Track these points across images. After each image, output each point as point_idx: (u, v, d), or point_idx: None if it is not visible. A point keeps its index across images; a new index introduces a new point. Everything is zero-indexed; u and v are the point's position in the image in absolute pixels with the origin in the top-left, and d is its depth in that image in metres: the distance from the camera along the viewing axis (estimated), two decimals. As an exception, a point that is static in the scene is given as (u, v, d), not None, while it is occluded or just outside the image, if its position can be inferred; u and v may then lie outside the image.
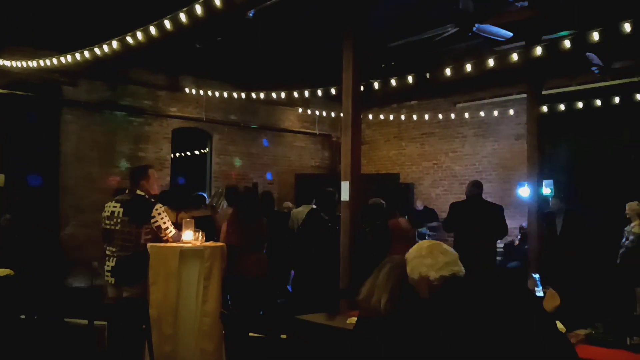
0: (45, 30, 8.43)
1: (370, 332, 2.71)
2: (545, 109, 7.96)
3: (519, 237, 9.90)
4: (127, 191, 5.06)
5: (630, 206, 8.02)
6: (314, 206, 7.22)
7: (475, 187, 6.98)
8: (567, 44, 6.19)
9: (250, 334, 4.83)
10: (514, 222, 9.61)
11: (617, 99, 8.64)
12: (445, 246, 2.65)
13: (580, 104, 9.07)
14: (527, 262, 7.27)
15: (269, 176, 12.33)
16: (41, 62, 7.76)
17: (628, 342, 3.19)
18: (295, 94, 9.86)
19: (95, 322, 4.83)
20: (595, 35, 5.83)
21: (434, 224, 11.27)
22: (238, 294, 5.46)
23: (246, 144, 12.24)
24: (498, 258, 8.41)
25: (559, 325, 3.22)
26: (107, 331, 4.85)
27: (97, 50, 6.64)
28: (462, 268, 2.58)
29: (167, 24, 5.73)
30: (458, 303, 2.43)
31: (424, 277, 2.57)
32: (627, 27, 5.54)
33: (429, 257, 2.59)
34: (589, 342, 3.34)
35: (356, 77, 5.26)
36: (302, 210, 7.90)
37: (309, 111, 12.59)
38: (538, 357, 2.28)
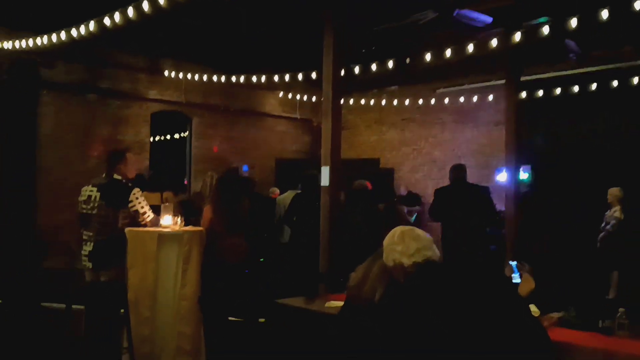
0: (21, 11, 8.24)
1: (360, 318, 2.71)
2: (523, 95, 8.01)
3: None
4: (104, 175, 5.01)
5: (612, 192, 8.15)
6: (299, 191, 7.21)
7: (459, 171, 6.88)
8: (545, 30, 6.21)
9: (229, 318, 4.83)
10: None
11: (594, 86, 8.72)
12: (418, 231, 2.64)
13: (558, 91, 9.14)
14: (504, 246, 7.35)
15: (245, 168, 12.26)
16: (16, 44, 7.59)
17: (600, 325, 3.25)
18: (276, 78, 9.80)
19: (73, 306, 4.79)
20: (573, 22, 5.86)
21: (417, 208, 11.33)
22: (217, 278, 5.44)
23: (226, 127, 12.16)
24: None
25: (533, 308, 3.27)
26: (84, 315, 4.82)
27: (74, 32, 6.51)
28: (437, 252, 2.58)
29: (146, 5, 5.63)
30: (431, 288, 2.45)
31: (398, 263, 2.56)
32: (605, 14, 5.57)
33: (401, 244, 2.58)
34: (562, 325, 3.40)
35: (337, 62, 5.23)
36: (287, 196, 7.89)
37: (289, 95, 12.54)
38: (511, 340, 2.31)
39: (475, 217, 6.61)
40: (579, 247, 8.38)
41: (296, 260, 6.18)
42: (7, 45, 7.78)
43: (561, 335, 3.13)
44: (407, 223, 6.79)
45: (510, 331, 2.32)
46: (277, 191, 9.73)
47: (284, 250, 7.11)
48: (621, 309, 3.26)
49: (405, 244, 2.57)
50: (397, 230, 2.68)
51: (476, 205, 6.64)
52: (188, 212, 6.05)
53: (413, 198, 11.57)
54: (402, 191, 11.78)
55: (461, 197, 6.71)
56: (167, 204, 5.27)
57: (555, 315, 3.50)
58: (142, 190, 6.45)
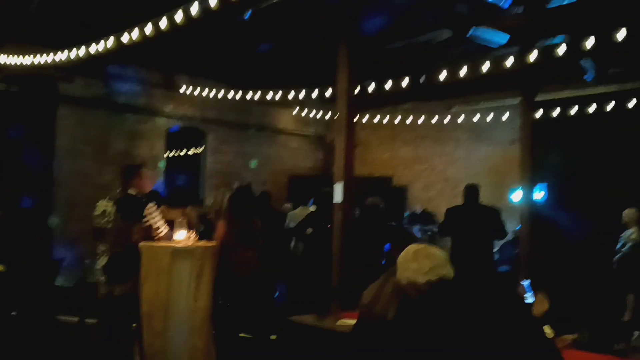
0: (41, 27, 8.40)
1: (373, 336, 2.70)
2: (539, 114, 7.99)
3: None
4: (119, 190, 5.06)
5: (628, 213, 8.08)
6: (311, 208, 7.24)
7: (472, 192, 6.97)
8: (561, 50, 6.22)
9: (241, 334, 4.83)
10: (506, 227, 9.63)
11: (610, 106, 8.68)
12: (431, 249, 2.62)
13: (573, 110, 9.11)
14: (518, 266, 7.29)
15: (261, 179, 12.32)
16: (35, 59, 7.73)
17: (614, 348, 3.21)
18: (290, 95, 9.86)
19: (86, 319, 4.82)
20: (589, 42, 5.86)
21: (431, 227, 11.28)
22: (229, 292, 5.46)
23: (240, 143, 12.23)
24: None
25: (547, 329, 3.25)
26: (97, 328, 4.84)
27: (92, 48, 6.62)
28: (451, 270, 2.57)
29: (163, 23, 5.72)
30: (445, 306, 2.44)
31: (412, 282, 2.55)
32: (621, 34, 5.57)
33: (415, 262, 2.57)
34: (576, 347, 3.36)
35: (351, 79, 5.25)
36: (298, 213, 7.92)
37: (303, 112, 12.60)
38: (524, 361, 2.29)
39: (485, 237, 6.68)
40: (594, 268, 8.29)
41: (310, 276, 6.18)
42: (27, 60, 7.92)
43: (575, 358, 3.11)
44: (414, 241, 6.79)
45: (524, 352, 2.30)
46: (289, 206, 9.76)
47: (298, 265, 7.14)
48: (636, 332, 3.23)
49: (419, 263, 2.56)
50: (412, 248, 2.67)
51: (486, 226, 6.69)
52: (208, 227, 6.09)
53: (427, 217, 11.54)
54: (418, 209, 11.74)
55: (472, 217, 6.74)
56: (181, 219, 5.30)
57: (570, 337, 3.47)
58: (163, 205, 6.53)
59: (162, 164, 11.05)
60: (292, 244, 8.12)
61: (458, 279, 2.58)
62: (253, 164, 11.98)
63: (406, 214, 11.01)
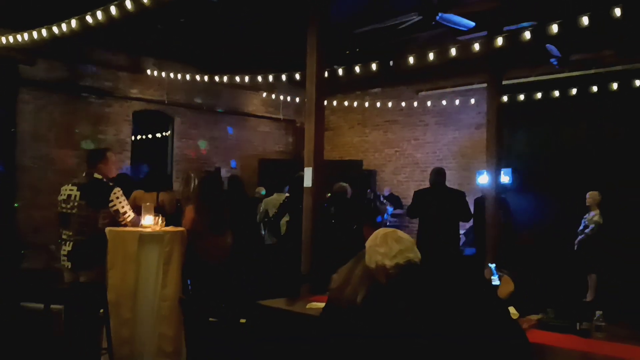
0: (2, 8, 8.13)
1: (342, 320, 2.70)
2: (505, 98, 8.08)
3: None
4: (84, 174, 4.96)
5: (592, 195, 8.26)
6: (287, 194, 7.21)
7: (439, 175, 7.09)
8: (527, 35, 6.28)
9: (210, 318, 4.81)
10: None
11: (574, 91, 8.83)
12: (399, 233, 2.65)
13: (539, 95, 9.24)
14: (484, 249, 7.42)
15: (233, 164, 12.24)
16: (-4, 40, 7.49)
17: (578, 328, 3.29)
18: (260, 78, 9.78)
19: (52, 306, 4.74)
20: (555, 28, 5.93)
21: (398, 210, 11.40)
22: (199, 279, 5.42)
23: (209, 127, 12.12)
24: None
25: (512, 310, 3.30)
26: (63, 315, 4.76)
27: (55, 29, 6.43)
28: (418, 254, 2.59)
29: (129, 3, 5.59)
30: (413, 289, 2.46)
31: (380, 265, 2.57)
32: (585, 20, 5.65)
33: (383, 246, 2.59)
34: (540, 327, 3.43)
35: (320, 63, 5.24)
36: (275, 199, 7.87)
37: (273, 96, 12.53)
38: (490, 341, 2.33)
39: (450, 219, 6.84)
40: (558, 249, 8.48)
41: (283, 262, 6.19)
42: (-13, 41, 7.67)
43: (539, 337, 3.17)
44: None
45: (489, 332, 2.34)
46: (263, 191, 9.70)
47: (271, 251, 7.13)
48: (599, 312, 3.31)
49: (388, 246, 2.58)
50: (380, 232, 2.68)
51: (452, 208, 6.84)
52: (179, 212, 6.04)
53: (393, 200, 11.66)
54: (385, 192, 11.86)
55: (438, 199, 6.86)
56: (148, 203, 5.23)
57: (534, 317, 3.54)
58: (139, 190, 6.45)
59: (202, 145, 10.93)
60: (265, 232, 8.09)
61: (425, 263, 2.61)
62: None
63: (371, 196, 11.08)
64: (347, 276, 2.74)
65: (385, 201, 11.48)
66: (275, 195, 8.02)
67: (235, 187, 7.28)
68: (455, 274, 2.58)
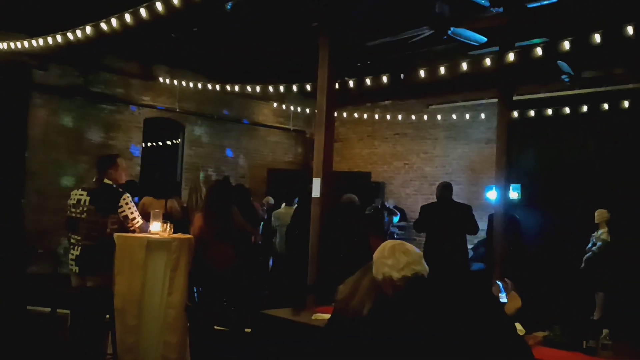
0: (17, 13, 8.24)
1: (347, 331, 2.70)
2: (515, 114, 8.08)
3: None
4: (94, 179, 5.00)
5: (600, 213, 8.21)
6: (295, 206, 7.23)
7: (445, 190, 7.14)
8: (539, 51, 6.28)
9: (215, 327, 4.83)
10: (481, 224, 9.77)
11: (585, 108, 8.81)
12: (407, 246, 2.66)
13: (549, 111, 9.22)
14: (491, 264, 7.39)
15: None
16: (11, 45, 7.58)
17: (584, 345, 3.27)
18: (270, 89, 9.83)
19: (58, 311, 4.77)
20: (566, 45, 5.93)
21: (403, 223, 11.37)
22: (205, 286, 5.44)
23: (219, 136, 12.17)
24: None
25: (518, 326, 3.29)
26: (69, 320, 4.79)
27: (69, 35, 6.51)
28: (426, 267, 2.60)
29: (143, 12, 5.65)
30: (420, 302, 2.46)
31: (387, 277, 2.58)
32: (597, 38, 5.65)
33: (391, 258, 2.60)
34: (547, 344, 3.42)
35: (331, 74, 5.26)
36: (284, 212, 7.89)
37: (283, 106, 12.58)
38: (496, 358, 2.32)
39: (457, 233, 6.87)
40: (565, 266, 8.43)
41: (293, 272, 6.21)
42: (2, 46, 7.76)
43: (545, 355, 3.15)
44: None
45: (496, 348, 2.33)
46: (272, 200, 9.72)
47: (281, 261, 7.17)
48: (605, 330, 3.29)
49: (396, 258, 2.59)
50: (388, 244, 2.69)
51: (459, 223, 6.86)
52: (187, 219, 6.08)
53: (400, 213, 11.65)
54: (390, 204, 11.84)
55: (445, 213, 6.89)
56: (157, 210, 5.26)
57: (540, 334, 3.52)
58: (148, 196, 6.50)
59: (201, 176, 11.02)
60: (277, 239, 8.11)
61: (432, 276, 2.61)
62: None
63: (379, 205, 11.08)
64: (354, 287, 2.75)
65: (393, 207, 11.48)
66: (283, 209, 8.04)
67: (242, 196, 7.33)
68: (463, 289, 2.58)
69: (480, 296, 2.60)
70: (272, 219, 8.03)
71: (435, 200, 7.30)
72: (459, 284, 2.64)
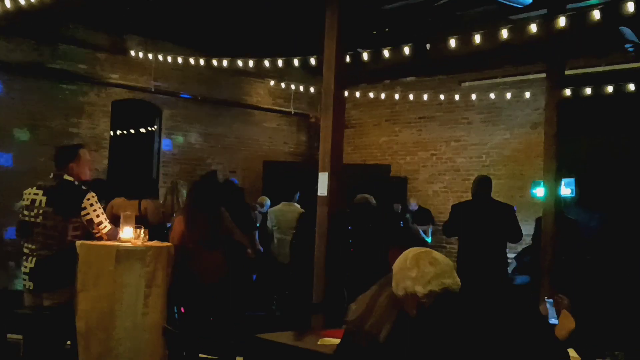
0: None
1: (361, 359, 2.70)
2: (567, 92, 8.04)
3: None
4: (51, 175, 5.00)
5: None
6: (297, 204, 7.24)
7: (483, 185, 7.07)
8: (596, 15, 6.23)
9: (200, 355, 4.84)
10: (526, 228, 9.73)
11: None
12: (435, 254, 2.63)
13: (609, 88, 9.16)
14: (538, 277, 7.37)
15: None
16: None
17: (653, 376, 3.25)
18: (267, 64, 9.81)
19: (8, 336, 4.78)
20: (630, 6, 5.88)
21: (429, 227, 11.34)
22: (188, 304, 5.45)
23: (204, 122, 12.17)
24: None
25: (572, 353, 3.27)
26: (22, 347, 4.80)
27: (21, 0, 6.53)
28: (457, 280, 2.57)
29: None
30: (449, 324, 2.44)
31: (410, 293, 2.55)
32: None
33: (415, 269, 2.57)
34: (607, 375, 3.39)
35: (341, 45, 5.25)
36: (282, 210, 7.90)
37: (282, 85, 12.54)
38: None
39: (496, 239, 6.82)
40: (631, 280, 8.37)
41: (295, 287, 6.23)
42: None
43: (606, 388, 3.13)
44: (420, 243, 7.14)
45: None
46: (268, 201, 9.74)
47: (280, 272, 7.20)
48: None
49: (420, 269, 2.56)
50: (410, 252, 2.66)
51: (498, 226, 6.81)
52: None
53: (423, 215, 11.59)
54: (413, 206, 11.77)
55: (482, 215, 6.84)
56: (128, 213, 5.26)
57: (600, 362, 3.50)
58: (119, 197, 6.52)
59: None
60: (275, 244, 8.14)
61: (465, 292, 2.59)
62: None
63: (398, 210, 11.05)
64: (369, 306, 2.74)
65: (417, 210, 11.46)
66: (281, 206, 8.05)
67: (232, 194, 7.34)
68: (503, 307, 2.56)
69: (524, 316, 2.58)
70: (268, 219, 8.03)
71: (470, 198, 7.25)
72: (498, 302, 2.63)
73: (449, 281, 2.54)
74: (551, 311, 3.91)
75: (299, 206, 8.10)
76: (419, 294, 2.53)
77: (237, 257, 6.00)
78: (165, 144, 11.83)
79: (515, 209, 7.24)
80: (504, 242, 7.01)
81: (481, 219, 6.87)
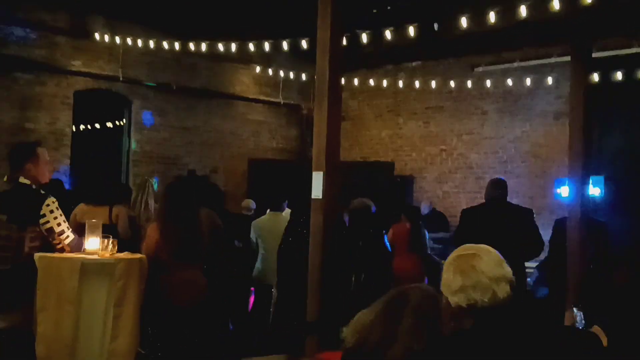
0: None
1: None
2: (596, 77, 8.07)
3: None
4: (5, 178, 4.98)
5: None
6: (285, 214, 7.23)
7: (497, 188, 7.11)
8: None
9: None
10: (549, 234, 9.75)
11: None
12: (474, 261, 2.57)
13: (644, 73, 9.21)
14: (560, 289, 7.39)
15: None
16: None
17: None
18: (252, 47, 9.81)
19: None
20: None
21: (441, 234, 11.34)
22: (162, 326, 5.44)
23: (180, 114, 12.16)
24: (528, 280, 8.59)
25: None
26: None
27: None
28: (498, 295, 2.48)
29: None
30: (464, 348, 2.43)
31: (445, 300, 2.56)
32: None
33: (446, 272, 2.58)
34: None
35: (336, 26, 5.24)
36: (268, 220, 7.87)
37: (270, 72, 12.55)
38: None
39: (513, 248, 6.81)
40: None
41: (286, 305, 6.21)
42: None
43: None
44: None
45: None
46: (253, 205, 9.71)
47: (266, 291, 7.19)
48: None
49: (451, 274, 2.55)
50: (460, 250, 2.64)
51: (515, 234, 6.81)
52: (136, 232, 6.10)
53: (437, 219, 11.56)
54: (424, 209, 11.75)
55: (496, 221, 6.84)
56: (94, 220, 5.25)
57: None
58: (86, 203, 6.51)
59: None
60: (258, 260, 8.12)
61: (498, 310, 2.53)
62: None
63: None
64: (378, 329, 2.73)
65: (430, 212, 11.48)
66: (267, 216, 8.02)
67: (211, 198, 7.32)
68: (527, 327, 2.55)
69: (549, 336, 2.57)
70: (252, 232, 8.01)
71: (483, 202, 7.27)
72: (527, 321, 2.59)
73: (478, 296, 2.50)
74: (579, 317, 3.94)
75: (285, 215, 8.03)
76: (451, 303, 2.53)
77: (224, 271, 6.01)
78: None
79: (533, 213, 7.21)
80: (522, 252, 7.01)
81: (496, 226, 6.86)
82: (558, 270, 7.54)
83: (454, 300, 2.52)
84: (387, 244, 7.06)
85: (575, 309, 4.09)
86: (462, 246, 2.67)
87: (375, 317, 2.76)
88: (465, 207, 7.67)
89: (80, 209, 6.50)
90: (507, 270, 2.58)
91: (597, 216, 8.03)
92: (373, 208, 6.73)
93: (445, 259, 2.80)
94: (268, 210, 8.21)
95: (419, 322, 2.64)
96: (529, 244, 6.97)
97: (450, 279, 2.54)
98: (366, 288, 6.11)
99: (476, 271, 2.52)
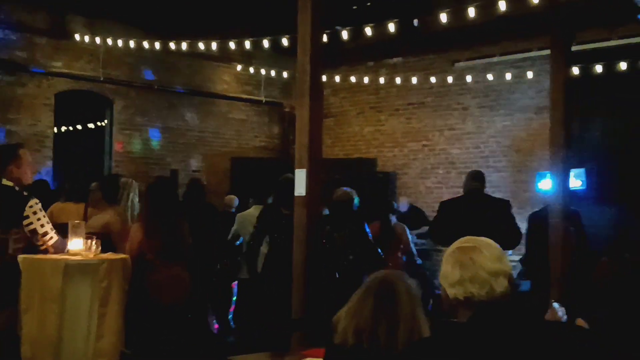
0: None
1: None
2: (576, 71, 8.11)
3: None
4: (-12, 180, 4.97)
5: None
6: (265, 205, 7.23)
7: (474, 180, 7.13)
8: (606, -18, 6.30)
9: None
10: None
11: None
12: (477, 253, 2.57)
13: (623, 65, 9.25)
14: (542, 282, 7.42)
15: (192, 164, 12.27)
16: None
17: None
18: (232, 45, 9.79)
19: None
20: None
21: (423, 230, 11.34)
22: (147, 326, 5.43)
23: (162, 114, 12.13)
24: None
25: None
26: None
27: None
28: (496, 289, 2.48)
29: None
30: (453, 346, 2.44)
31: (443, 291, 2.57)
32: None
33: (446, 264, 2.57)
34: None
35: (317, 22, 5.25)
36: (252, 213, 7.87)
37: (251, 70, 12.55)
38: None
39: (490, 237, 6.82)
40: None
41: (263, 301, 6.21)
42: None
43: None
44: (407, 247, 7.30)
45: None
46: (236, 202, 9.72)
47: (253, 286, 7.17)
48: None
49: (450, 266, 2.56)
50: (460, 242, 2.64)
51: (493, 225, 6.82)
52: None
53: (416, 215, 11.56)
54: (402, 206, 11.71)
55: (474, 214, 6.87)
56: (76, 221, 5.24)
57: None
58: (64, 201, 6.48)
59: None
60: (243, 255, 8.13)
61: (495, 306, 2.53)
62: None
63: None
64: (385, 316, 2.75)
65: (409, 209, 11.49)
66: (252, 210, 8.02)
67: (194, 195, 7.32)
68: (523, 320, 2.55)
69: (534, 331, 2.58)
70: (235, 225, 8.00)
71: (462, 194, 7.30)
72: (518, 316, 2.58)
73: (475, 290, 2.50)
74: (561, 312, 3.96)
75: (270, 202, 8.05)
76: (449, 295, 2.55)
77: (207, 270, 6.01)
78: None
79: (510, 204, 7.24)
80: (500, 243, 7.02)
81: (474, 217, 6.88)
82: (538, 264, 7.59)
83: (451, 292, 2.52)
84: (369, 232, 6.98)
85: (556, 304, 4.11)
86: (463, 238, 2.67)
87: (374, 310, 2.77)
88: (442, 201, 7.67)
89: (55, 207, 6.48)
90: (507, 265, 2.56)
91: (572, 205, 8.10)
92: (355, 197, 6.70)
93: (430, 253, 2.82)
94: (251, 201, 8.23)
95: (414, 302, 2.68)
96: (506, 235, 7.00)
97: (449, 271, 2.53)
98: (350, 284, 6.12)
99: (475, 264, 2.51)
